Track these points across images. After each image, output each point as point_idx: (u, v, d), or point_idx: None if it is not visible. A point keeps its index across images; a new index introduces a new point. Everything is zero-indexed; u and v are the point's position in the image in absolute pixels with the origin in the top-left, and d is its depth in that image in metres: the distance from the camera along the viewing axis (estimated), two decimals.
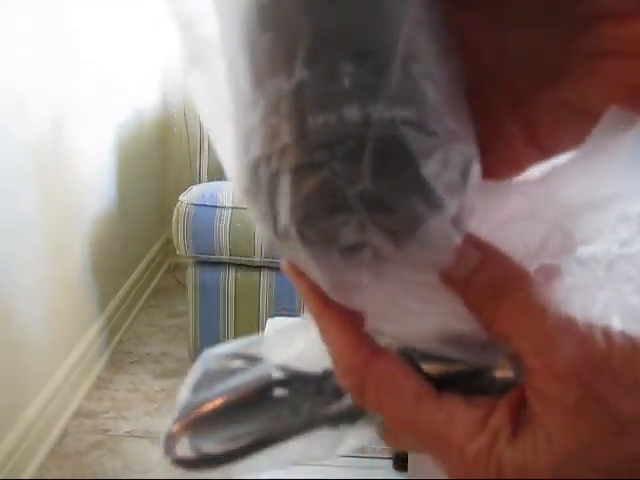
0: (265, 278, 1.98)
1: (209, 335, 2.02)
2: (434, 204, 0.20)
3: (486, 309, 0.22)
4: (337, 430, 0.29)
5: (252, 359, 0.32)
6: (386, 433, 0.27)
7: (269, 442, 0.30)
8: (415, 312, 0.24)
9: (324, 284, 0.23)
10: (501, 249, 0.23)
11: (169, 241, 2.66)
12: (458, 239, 0.21)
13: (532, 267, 0.22)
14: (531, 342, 0.21)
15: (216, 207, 1.97)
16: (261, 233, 0.22)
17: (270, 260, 1.92)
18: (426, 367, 0.25)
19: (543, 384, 0.21)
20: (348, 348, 0.24)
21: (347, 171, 0.20)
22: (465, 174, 0.21)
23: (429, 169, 0.20)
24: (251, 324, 2.01)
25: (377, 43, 0.20)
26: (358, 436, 0.29)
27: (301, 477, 0.67)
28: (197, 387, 0.33)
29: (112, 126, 2.30)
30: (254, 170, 0.21)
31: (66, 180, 1.91)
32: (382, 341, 0.25)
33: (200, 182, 2.24)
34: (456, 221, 0.21)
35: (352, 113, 0.20)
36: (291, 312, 1.89)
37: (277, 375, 0.31)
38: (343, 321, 0.25)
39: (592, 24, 0.21)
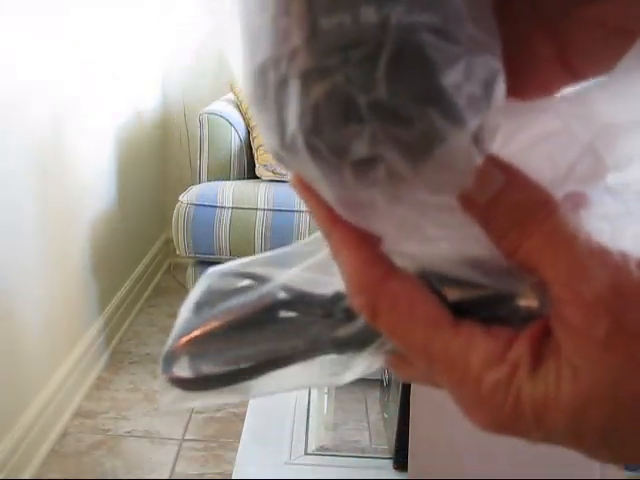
0: None
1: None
2: (454, 118, 0.19)
3: (509, 236, 0.21)
4: (344, 356, 0.27)
5: (258, 278, 0.29)
6: (395, 361, 0.26)
7: (272, 365, 0.28)
8: (432, 236, 0.23)
9: (334, 202, 0.22)
10: (527, 173, 0.21)
11: (169, 241, 2.66)
12: (479, 159, 0.20)
13: (560, 194, 0.21)
14: (559, 270, 0.20)
15: (216, 207, 1.97)
16: (267, 145, 0.21)
17: None
18: (445, 292, 0.23)
19: (571, 314, 0.19)
20: (361, 265, 0.23)
21: (361, 77, 0.18)
22: (489, 89, 0.19)
23: (450, 79, 0.18)
24: None
25: None
26: (366, 362, 0.27)
27: (301, 477, 0.67)
28: (199, 306, 0.30)
29: (112, 127, 2.30)
30: (262, 74, 0.20)
31: (66, 180, 1.91)
32: (400, 263, 0.23)
33: (200, 182, 2.24)
34: (478, 140, 0.20)
35: (369, 15, 0.18)
36: None
37: (283, 295, 0.29)
38: (356, 238, 0.23)
39: None
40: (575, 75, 0.22)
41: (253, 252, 1.93)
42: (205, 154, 2.25)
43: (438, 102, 0.19)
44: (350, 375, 0.28)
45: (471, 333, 0.22)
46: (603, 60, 0.22)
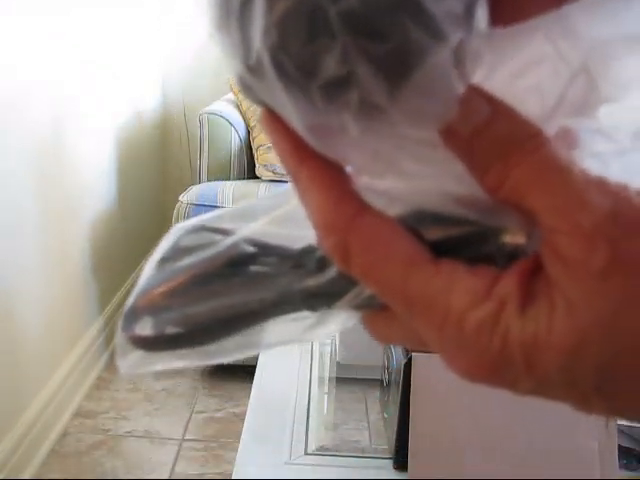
0: None
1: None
2: (432, 30, 0.17)
3: (494, 169, 0.19)
4: (315, 312, 0.25)
5: (226, 233, 0.27)
6: (370, 317, 0.24)
7: (239, 322, 0.26)
8: (410, 172, 0.21)
9: (303, 129, 0.20)
10: (513, 105, 0.19)
11: None
12: (461, 87, 0.18)
13: (550, 129, 0.19)
14: (553, 198, 0.18)
15: (216, 207, 1.97)
16: (233, 71, 0.19)
17: None
18: (424, 232, 0.21)
19: (567, 245, 0.18)
20: (329, 204, 0.21)
21: None
22: (470, 9, 0.18)
23: None
24: None
25: None
26: (339, 318, 0.25)
27: (301, 477, 0.67)
28: (164, 261, 0.28)
29: (112, 127, 2.30)
30: None
31: (66, 180, 1.91)
32: (374, 203, 0.21)
33: (200, 182, 2.24)
34: (459, 62, 0.18)
35: None
36: None
37: (250, 249, 0.26)
38: (325, 176, 0.21)
39: None
40: None
41: None
42: (205, 154, 2.25)
43: (415, 12, 0.17)
44: (324, 330, 0.26)
45: (453, 271, 0.20)
46: None
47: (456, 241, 0.21)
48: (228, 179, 2.24)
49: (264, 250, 0.26)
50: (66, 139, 1.90)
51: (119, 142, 2.36)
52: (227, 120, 2.25)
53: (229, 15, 0.18)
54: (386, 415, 0.74)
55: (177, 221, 1.98)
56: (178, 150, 2.87)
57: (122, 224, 2.39)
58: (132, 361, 0.28)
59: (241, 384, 1.99)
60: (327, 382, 0.86)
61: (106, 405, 1.97)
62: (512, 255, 0.20)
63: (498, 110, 0.19)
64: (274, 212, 0.26)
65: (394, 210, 0.22)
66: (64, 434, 1.83)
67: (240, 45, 0.18)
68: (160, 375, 2.13)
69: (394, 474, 0.68)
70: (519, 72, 0.20)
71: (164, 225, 2.84)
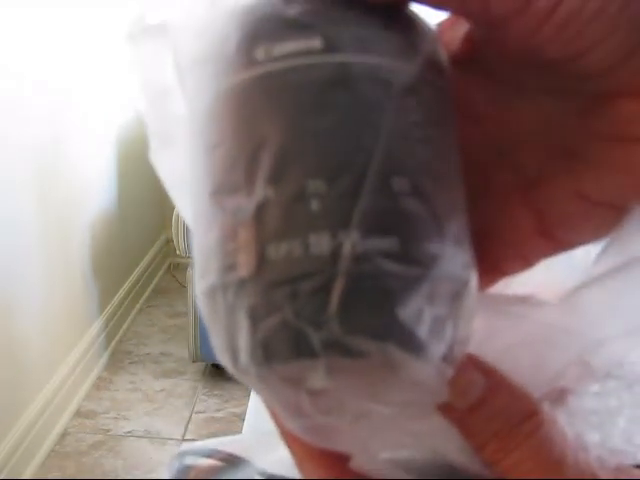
0: None
1: (209, 335, 2.01)
2: (415, 351, 0.17)
3: (490, 447, 0.19)
4: None
5: (233, 459, 0.27)
6: None
7: None
8: (405, 445, 0.21)
9: (294, 428, 0.20)
10: (509, 374, 0.20)
11: (169, 241, 2.66)
12: (449, 373, 0.18)
13: (543, 391, 0.20)
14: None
15: None
16: (220, 359, 0.19)
17: None
18: None
19: None
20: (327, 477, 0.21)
21: (311, 312, 0.17)
22: (456, 301, 0.18)
23: (410, 309, 0.17)
24: None
25: (353, 159, 0.17)
26: None
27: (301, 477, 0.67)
28: None
29: (112, 126, 2.30)
30: (211, 297, 0.19)
31: (66, 180, 1.91)
32: (374, 469, 0.21)
33: None
34: (447, 358, 0.18)
35: (321, 243, 0.17)
36: None
37: None
38: (320, 450, 0.21)
39: (608, 101, 0.18)
40: (556, 244, 0.21)
41: None
42: None
43: (397, 336, 0.17)
44: None
45: None
46: (586, 232, 0.21)
47: None
48: None
49: None
50: (66, 139, 1.90)
51: (119, 142, 2.36)
52: None
53: (215, 319, 0.19)
54: None
55: (177, 221, 1.97)
56: None
57: (122, 224, 2.39)
58: None
59: (241, 384, 1.97)
60: None
61: (106, 405, 1.97)
62: None
63: (494, 384, 0.19)
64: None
65: (396, 474, 0.22)
66: (64, 434, 1.83)
67: (227, 349, 0.18)
68: (160, 375, 2.13)
69: None
70: (512, 347, 0.20)
71: (164, 225, 2.84)
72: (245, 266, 0.17)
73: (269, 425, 0.24)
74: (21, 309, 1.65)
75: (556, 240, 0.21)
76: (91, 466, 1.72)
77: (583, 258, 0.21)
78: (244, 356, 0.18)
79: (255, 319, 0.17)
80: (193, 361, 2.10)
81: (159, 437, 1.85)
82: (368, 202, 0.17)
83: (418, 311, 0.17)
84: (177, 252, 2.02)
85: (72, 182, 1.95)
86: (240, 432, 0.73)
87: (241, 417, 1.84)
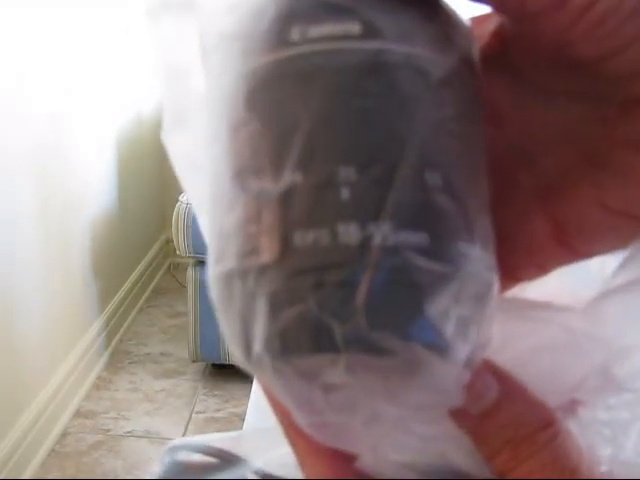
0: None
1: (209, 335, 2.02)
2: (441, 351, 0.16)
3: (502, 456, 0.19)
4: None
5: (228, 457, 0.26)
6: None
7: None
8: (414, 448, 0.21)
9: (303, 424, 0.19)
10: (528, 379, 0.19)
11: (169, 241, 2.66)
12: (467, 377, 0.18)
13: (561, 400, 0.19)
14: None
15: None
16: (230, 350, 0.18)
17: None
18: None
19: None
20: (332, 476, 0.20)
21: (336, 305, 0.16)
22: (480, 303, 0.17)
23: (438, 307, 0.16)
24: None
25: (386, 148, 0.16)
26: None
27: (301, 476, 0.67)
28: None
29: (112, 126, 2.30)
30: (228, 282, 0.18)
31: (66, 180, 1.91)
32: (380, 469, 0.21)
33: None
34: (468, 359, 0.17)
35: (349, 233, 0.16)
36: None
37: None
38: (325, 449, 0.20)
39: (636, 109, 0.18)
40: (575, 253, 0.21)
41: None
42: None
43: (424, 336, 0.16)
44: None
45: None
46: (605, 242, 0.20)
47: None
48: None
49: None
50: (66, 139, 1.90)
51: (119, 142, 2.36)
52: None
53: (230, 305, 0.18)
54: None
55: (177, 221, 1.98)
56: None
57: (122, 224, 2.39)
58: None
59: (241, 384, 1.99)
60: None
61: (106, 405, 1.97)
62: None
63: (509, 391, 0.19)
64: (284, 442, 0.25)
65: (403, 475, 0.21)
66: (64, 434, 1.83)
67: (240, 338, 0.18)
68: (160, 375, 2.13)
69: None
70: (532, 354, 0.20)
71: (164, 225, 2.84)
72: (268, 251, 0.16)
73: (268, 424, 0.23)
74: (21, 309, 1.65)
75: (574, 249, 0.20)
76: (91, 466, 1.72)
77: (599, 267, 0.21)
78: (259, 346, 0.17)
79: (275, 307, 0.16)
80: (193, 361, 2.10)
81: (159, 437, 1.85)
82: (400, 194, 0.16)
83: (445, 310, 0.16)
84: (177, 252, 2.02)
85: (72, 182, 1.95)
86: None
87: (241, 417, 1.84)
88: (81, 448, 1.79)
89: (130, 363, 2.20)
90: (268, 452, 0.25)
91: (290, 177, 0.16)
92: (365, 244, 0.16)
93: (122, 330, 2.36)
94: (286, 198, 0.16)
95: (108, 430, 1.86)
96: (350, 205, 0.16)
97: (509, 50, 0.20)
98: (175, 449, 0.28)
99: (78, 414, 1.92)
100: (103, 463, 1.74)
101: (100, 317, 2.18)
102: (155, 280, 2.78)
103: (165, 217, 2.77)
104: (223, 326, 0.18)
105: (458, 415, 0.19)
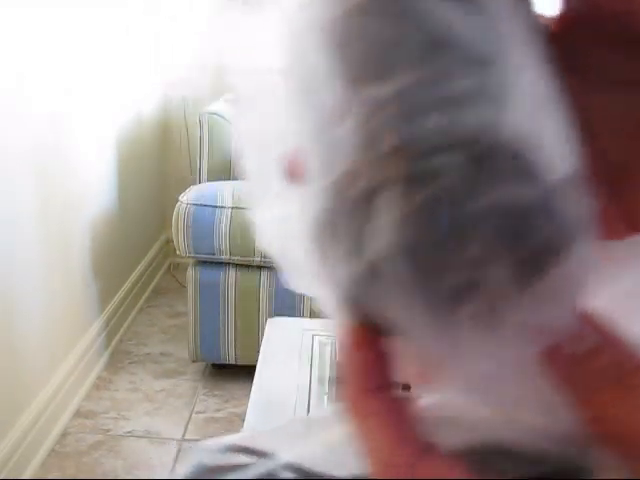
0: (265, 278, 1.98)
1: (209, 335, 2.02)
2: (567, 234, 0.17)
3: (597, 399, 0.19)
4: None
5: (257, 454, 0.25)
6: None
7: None
8: (511, 399, 0.20)
9: (417, 345, 0.19)
10: (623, 331, 0.19)
11: (169, 241, 2.66)
12: (579, 300, 0.18)
13: None
14: None
15: (216, 207, 1.97)
16: (337, 277, 0.18)
17: (270, 260, 1.92)
18: (492, 469, 0.20)
19: None
20: (391, 443, 0.20)
21: (469, 182, 0.16)
22: (586, 215, 0.17)
23: (561, 193, 0.16)
24: (251, 324, 2.01)
25: (493, 50, 0.17)
26: None
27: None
28: None
29: (112, 127, 2.30)
30: (337, 192, 0.17)
31: (66, 180, 1.91)
32: (439, 430, 0.20)
33: (200, 182, 2.24)
34: (581, 265, 0.17)
35: (471, 117, 0.16)
36: (291, 312, 1.89)
37: (288, 476, 0.24)
38: (387, 411, 0.20)
39: None
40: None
41: (253, 252, 1.93)
42: (205, 154, 2.25)
43: (553, 215, 0.16)
44: None
45: None
46: None
47: None
48: (228, 179, 2.24)
49: (304, 477, 0.24)
50: (66, 139, 1.90)
51: (119, 142, 2.36)
52: (227, 120, 2.25)
53: (340, 215, 0.17)
54: None
55: (177, 221, 1.98)
56: (178, 150, 2.87)
57: (122, 224, 2.39)
58: None
59: (241, 384, 1.99)
60: (327, 382, 0.86)
61: (106, 405, 1.97)
62: None
63: (607, 338, 0.19)
64: (325, 433, 0.24)
65: (460, 438, 0.21)
66: (64, 434, 1.83)
67: (354, 247, 0.17)
68: (160, 375, 2.13)
69: None
70: (626, 297, 0.19)
71: (164, 225, 2.84)
72: (394, 135, 0.16)
73: (270, 425, 0.22)
74: (21, 309, 1.65)
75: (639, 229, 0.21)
76: (91, 466, 1.72)
77: None
78: (382, 244, 0.16)
79: (407, 192, 0.16)
80: (193, 361, 2.10)
81: (159, 437, 1.85)
82: (514, 90, 0.17)
83: (567, 197, 0.17)
84: (177, 252, 2.02)
85: (72, 182, 1.95)
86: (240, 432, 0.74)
87: (241, 417, 1.84)
88: (81, 448, 1.79)
89: (130, 363, 2.21)
90: (293, 447, 0.25)
91: (405, 77, 0.17)
92: (489, 125, 0.16)
93: (122, 330, 2.36)
94: (404, 95, 0.17)
95: (108, 430, 1.86)
96: (469, 96, 0.16)
97: (572, 35, 0.20)
98: (199, 452, 0.27)
99: (78, 414, 1.92)
100: (103, 463, 1.74)
101: (100, 317, 2.18)
102: (155, 280, 2.78)
103: (165, 217, 2.77)
104: (325, 253, 0.18)
105: (552, 357, 0.19)
